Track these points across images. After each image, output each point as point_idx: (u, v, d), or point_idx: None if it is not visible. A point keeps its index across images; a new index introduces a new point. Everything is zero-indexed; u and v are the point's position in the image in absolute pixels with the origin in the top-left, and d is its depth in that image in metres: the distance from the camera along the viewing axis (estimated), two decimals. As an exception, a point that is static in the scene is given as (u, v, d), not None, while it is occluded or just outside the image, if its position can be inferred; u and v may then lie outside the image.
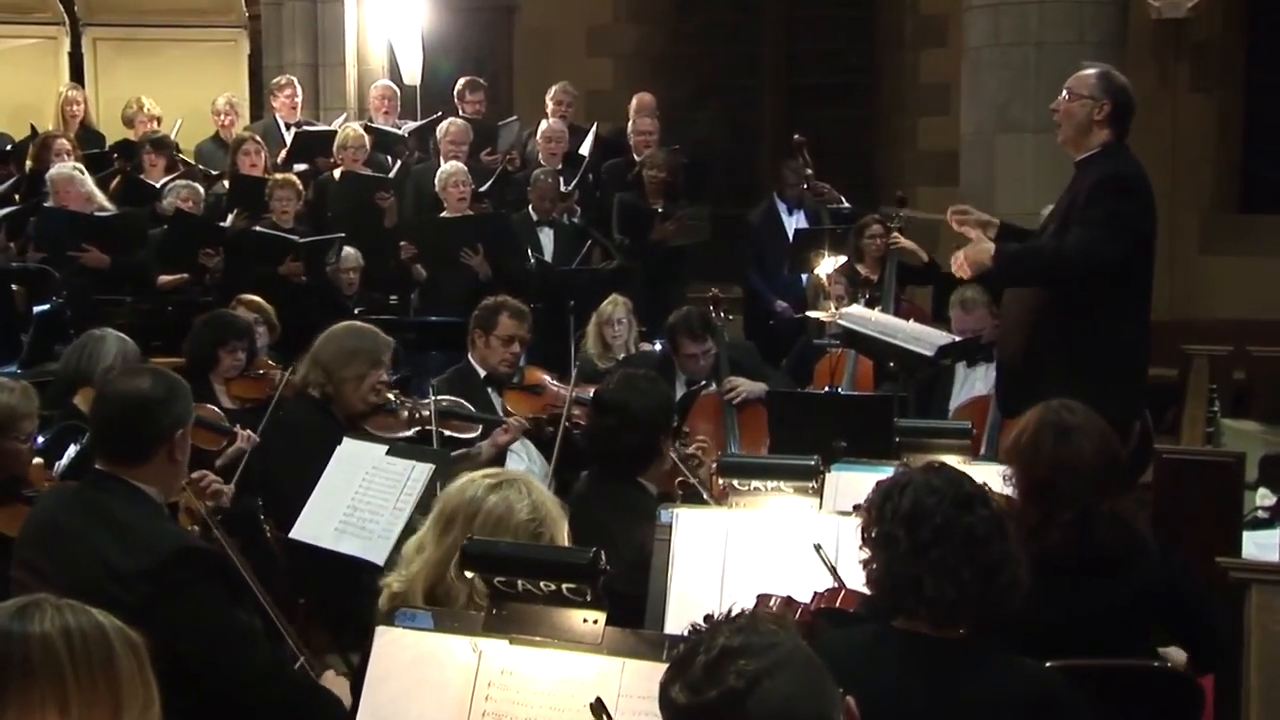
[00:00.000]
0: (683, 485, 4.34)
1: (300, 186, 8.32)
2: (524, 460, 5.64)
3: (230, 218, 8.36)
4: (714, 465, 4.00)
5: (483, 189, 8.82)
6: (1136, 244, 4.86)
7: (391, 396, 5.22)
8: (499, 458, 5.41)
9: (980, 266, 5.09)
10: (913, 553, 2.60)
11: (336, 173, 8.79)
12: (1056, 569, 3.34)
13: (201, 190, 8.45)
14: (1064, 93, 5.02)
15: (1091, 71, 5.02)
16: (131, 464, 3.34)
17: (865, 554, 2.72)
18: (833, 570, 3.03)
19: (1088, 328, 4.84)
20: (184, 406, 3.44)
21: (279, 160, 9.19)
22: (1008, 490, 3.56)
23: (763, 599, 2.92)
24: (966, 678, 2.60)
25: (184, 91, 10.44)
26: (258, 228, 8.01)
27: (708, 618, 2.71)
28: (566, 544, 2.84)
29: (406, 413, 5.27)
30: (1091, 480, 3.43)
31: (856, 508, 3.13)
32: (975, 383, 5.98)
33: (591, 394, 5.99)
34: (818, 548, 3.04)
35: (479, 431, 5.48)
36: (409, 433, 5.16)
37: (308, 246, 7.86)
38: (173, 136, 9.40)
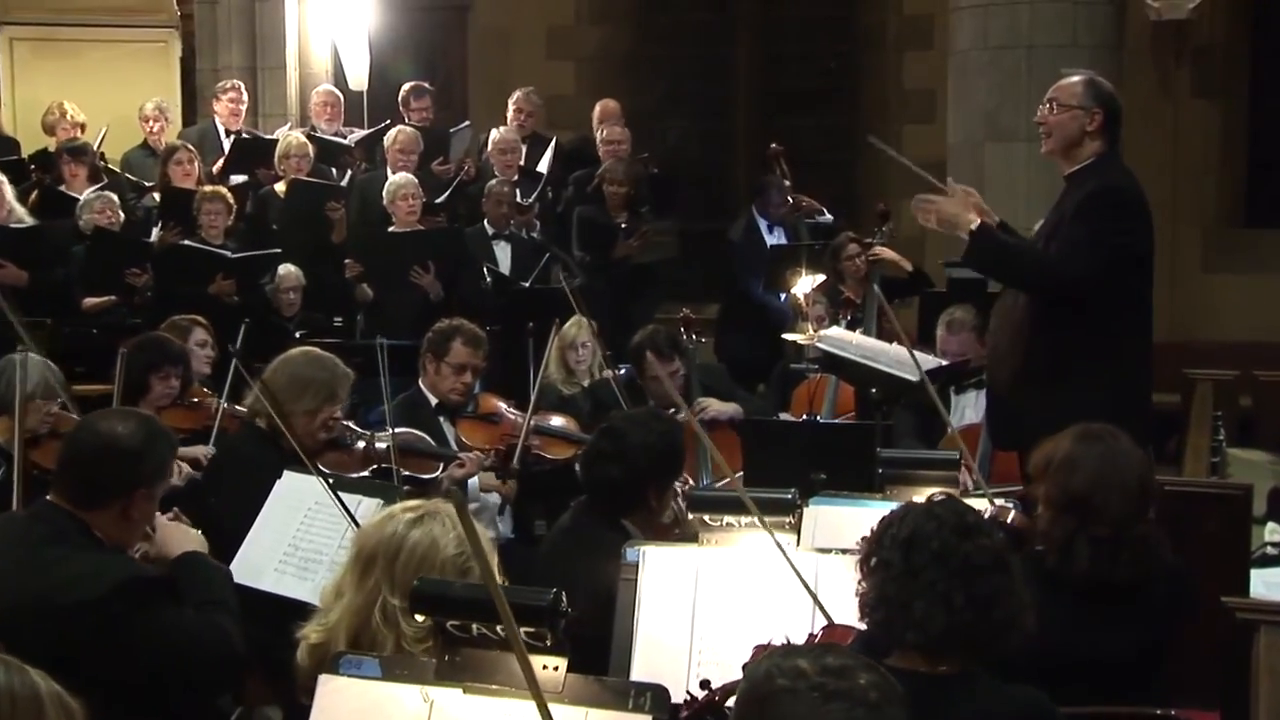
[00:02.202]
0: (681, 540, 4.28)
1: (230, 199, 8.27)
2: (481, 494, 5.64)
3: (155, 232, 8.33)
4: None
5: (439, 200, 8.82)
6: (1127, 262, 4.87)
7: (347, 428, 5.16)
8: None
9: (953, 227, 5.07)
10: (905, 575, 2.70)
11: (279, 185, 8.78)
12: (1079, 595, 3.46)
13: (117, 200, 8.37)
14: (1047, 104, 5.03)
15: (1077, 79, 5.04)
16: (83, 508, 3.37)
17: (862, 586, 2.80)
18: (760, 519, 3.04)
19: (1083, 353, 4.87)
20: (156, 466, 3.45)
21: (215, 170, 9.16)
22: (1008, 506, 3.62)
23: (759, 649, 2.92)
24: (958, 710, 2.67)
25: (110, 96, 10.39)
26: (186, 242, 7.99)
27: (704, 684, 2.75)
28: (498, 575, 2.85)
29: (362, 445, 5.23)
30: (1127, 501, 3.53)
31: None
32: (965, 410, 6.01)
33: (552, 421, 6.07)
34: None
35: (440, 469, 5.45)
36: (365, 472, 5.11)
37: (239, 263, 7.84)
38: (97, 145, 9.31)
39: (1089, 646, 3.44)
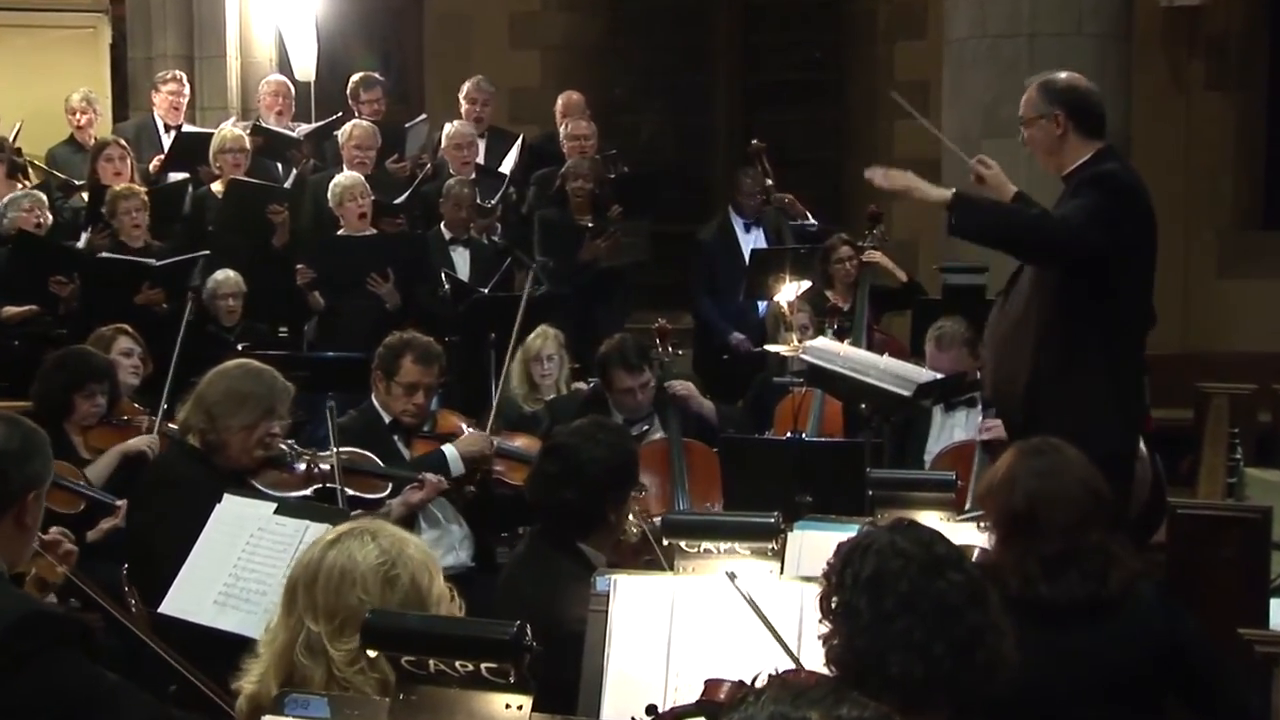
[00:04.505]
0: (650, 565, 4.29)
1: (144, 196, 8.24)
2: (441, 520, 5.63)
3: (84, 236, 8.28)
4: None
5: (398, 201, 8.79)
6: (1121, 253, 4.91)
7: (285, 448, 5.17)
8: (411, 519, 5.37)
9: (917, 192, 5.12)
10: (876, 624, 2.63)
11: (216, 185, 8.74)
12: (1044, 617, 3.48)
13: (45, 200, 8.33)
14: (1020, 125, 5.13)
15: (1030, 88, 5.14)
16: None
17: (825, 628, 2.74)
18: (753, 604, 3.03)
19: (1071, 359, 4.93)
20: (40, 464, 3.41)
21: (151, 167, 9.12)
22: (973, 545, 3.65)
23: (712, 685, 2.91)
24: None
25: (33, 87, 10.36)
26: (105, 254, 7.94)
27: (650, 709, 2.73)
28: (443, 590, 2.85)
29: (304, 466, 5.23)
30: (1074, 511, 3.60)
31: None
32: (955, 429, 6.05)
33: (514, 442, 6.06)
34: (731, 576, 3.05)
35: (389, 490, 5.45)
36: (307, 491, 5.13)
37: (165, 270, 7.80)
38: (12, 140, 9.22)
39: (1070, 672, 3.47)
